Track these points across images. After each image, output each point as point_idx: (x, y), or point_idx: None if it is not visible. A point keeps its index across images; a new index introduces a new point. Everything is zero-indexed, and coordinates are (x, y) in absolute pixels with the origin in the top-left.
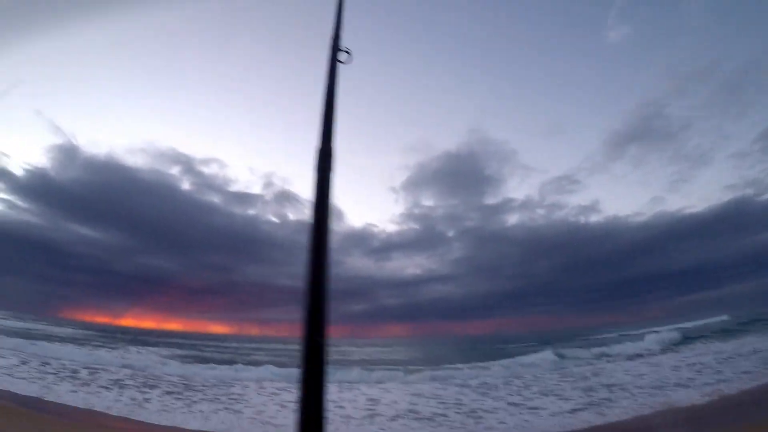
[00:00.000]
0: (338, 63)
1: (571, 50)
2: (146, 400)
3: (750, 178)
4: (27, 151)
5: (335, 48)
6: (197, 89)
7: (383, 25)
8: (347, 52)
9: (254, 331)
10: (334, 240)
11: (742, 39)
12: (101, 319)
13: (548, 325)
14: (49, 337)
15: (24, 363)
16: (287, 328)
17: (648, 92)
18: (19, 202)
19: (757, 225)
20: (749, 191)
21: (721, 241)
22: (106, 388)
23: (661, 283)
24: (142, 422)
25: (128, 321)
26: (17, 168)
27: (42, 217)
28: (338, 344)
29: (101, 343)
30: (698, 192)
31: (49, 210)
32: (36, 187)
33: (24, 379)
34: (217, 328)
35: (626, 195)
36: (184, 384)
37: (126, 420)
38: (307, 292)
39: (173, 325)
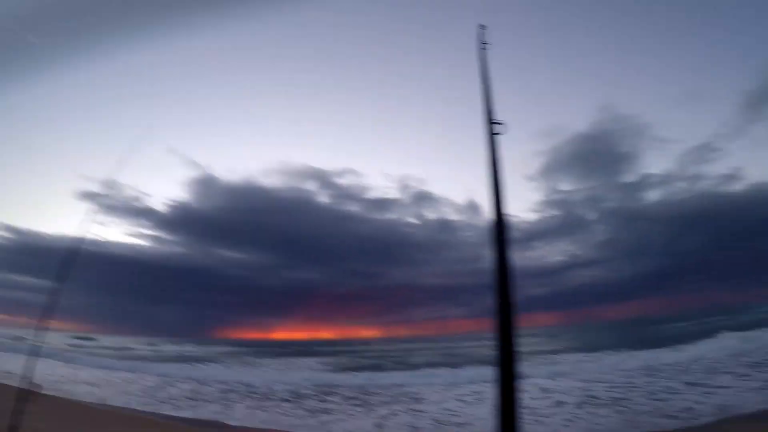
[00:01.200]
0: (495, 135)
1: (696, 11)
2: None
3: None
4: (167, 188)
5: (490, 122)
6: (327, 103)
7: (512, 10)
8: (501, 123)
9: (403, 332)
10: (475, 235)
11: None
12: (255, 335)
13: (697, 303)
14: (210, 359)
15: (204, 386)
16: (437, 326)
17: None
18: (166, 236)
19: None
20: None
21: None
22: (275, 403)
23: None
24: None
25: (280, 334)
26: (160, 205)
27: (188, 247)
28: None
29: (258, 360)
30: None
31: (194, 239)
32: (179, 219)
33: (206, 402)
34: (368, 333)
35: None
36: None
37: None
38: (496, 297)
39: (324, 334)
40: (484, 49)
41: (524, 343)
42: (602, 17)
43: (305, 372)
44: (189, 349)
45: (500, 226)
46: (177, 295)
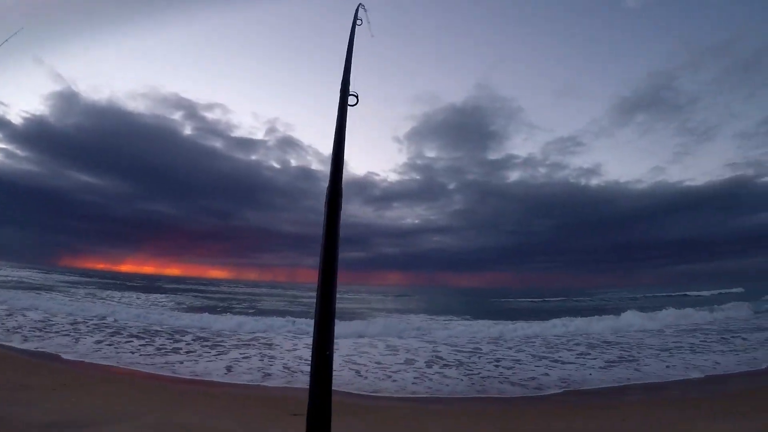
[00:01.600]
0: (347, 107)
1: (586, 12)
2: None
3: (752, 158)
4: (26, 100)
5: (345, 92)
6: (201, 33)
7: None
8: (355, 95)
9: (253, 275)
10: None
11: (760, 20)
12: (102, 265)
13: (543, 282)
14: (56, 288)
15: (52, 317)
16: (287, 273)
17: (660, 62)
18: (18, 151)
19: (754, 205)
20: (750, 171)
21: (718, 217)
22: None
23: (656, 250)
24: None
25: (129, 267)
26: (15, 117)
27: (42, 165)
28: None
29: (107, 293)
30: (699, 166)
31: (49, 158)
32: (35, 135)
33: (55, 334)
34: (217, 273)
35: (629, 162)
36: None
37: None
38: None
39: (173, 270)
40: (358, 25)
41: (373, 301)
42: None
43: (155, 309)
44: (33, 275)
45: (335, 193)
46: (22, 217)
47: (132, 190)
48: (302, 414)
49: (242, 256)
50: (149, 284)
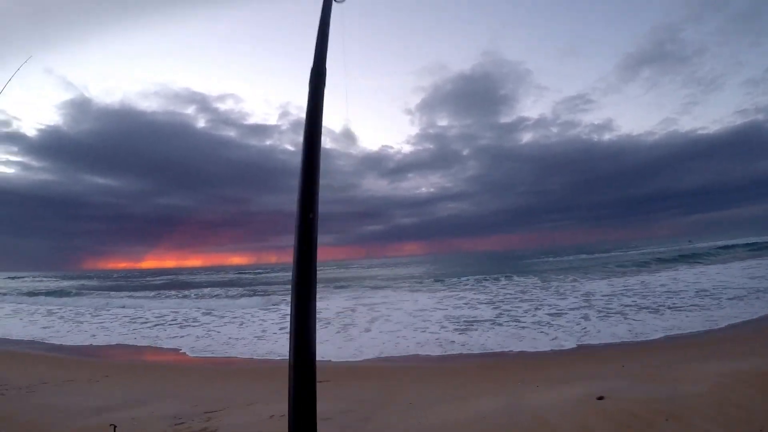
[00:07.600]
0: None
1: None
2: None
3: (761, 104)
4: (39, 111)
5: (316, 72)
6: (209, 26)
7: None
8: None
9: (273, 258)
10: (349, 164)
11: None
12: (124, 264)
13: (562, 240)
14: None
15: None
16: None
17: (663, 16)
18: (34, 162)
19: (766, 150)
20: (760, 117)
21: (730, 164)
22: None
23: (672, 201)
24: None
25: (151, 263)
26: (30, 129)
27: (58, 174)
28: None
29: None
30: (709, 115)
31: (64, 165)
32: (50, 145)
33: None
34: (238, 260)
35: (639, 115)
36: None
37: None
38: (299, 215)
39: (194, 261)
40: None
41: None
42: None
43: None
44: (64, 284)
45: (311, 172)
46: (43, 225)
47: (149, 187)
48: (327, 380)
49: (262, 240)
50: (174, 279)
